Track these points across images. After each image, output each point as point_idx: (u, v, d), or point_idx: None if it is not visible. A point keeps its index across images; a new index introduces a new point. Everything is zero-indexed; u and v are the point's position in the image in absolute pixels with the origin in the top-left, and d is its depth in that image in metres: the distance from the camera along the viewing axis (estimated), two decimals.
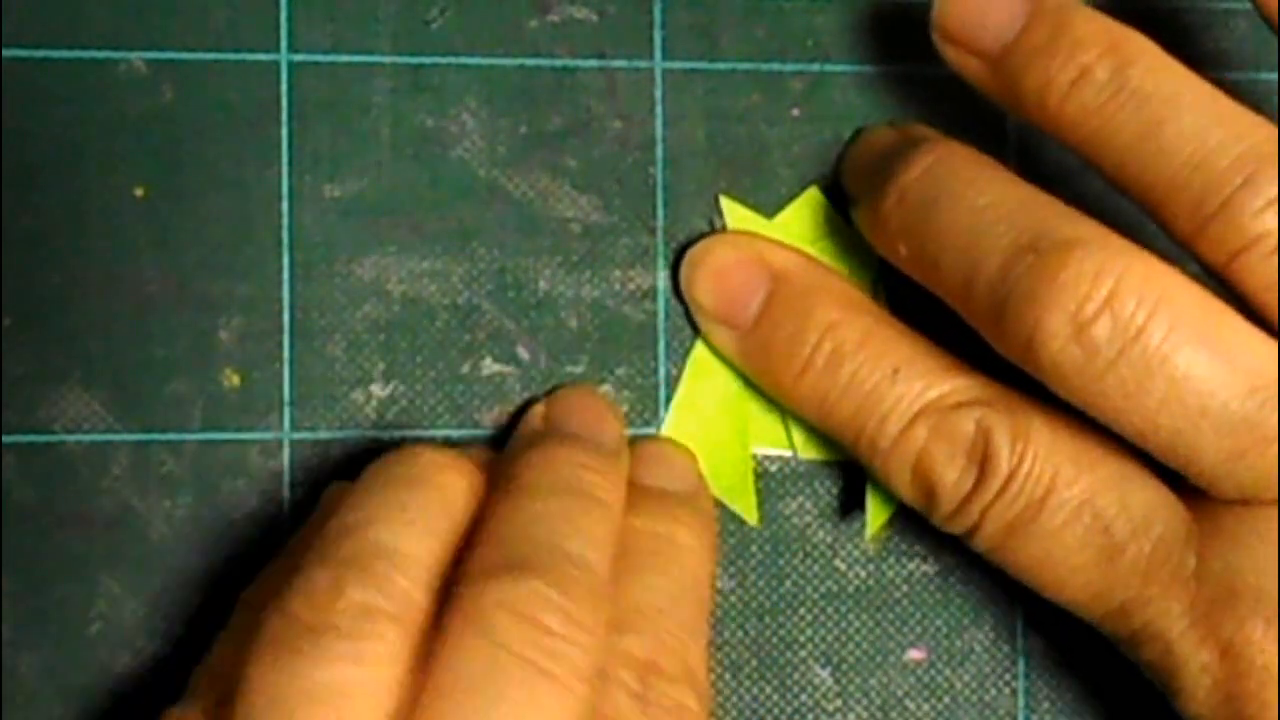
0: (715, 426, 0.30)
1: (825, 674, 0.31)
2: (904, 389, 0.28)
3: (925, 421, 0.28)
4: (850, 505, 0.31)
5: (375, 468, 0.27)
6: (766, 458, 0.31)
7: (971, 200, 0.27)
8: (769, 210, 0.31)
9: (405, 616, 0.24)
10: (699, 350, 0.30)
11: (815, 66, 0.31)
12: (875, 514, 0.30)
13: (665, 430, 0.30)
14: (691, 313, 0.30)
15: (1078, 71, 0.26)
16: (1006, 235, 0.26)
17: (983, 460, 0.27)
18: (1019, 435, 0.27)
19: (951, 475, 0.27)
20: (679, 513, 0.28)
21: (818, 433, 0.30)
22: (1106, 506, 0.27)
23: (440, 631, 0.24)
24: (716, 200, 0.30)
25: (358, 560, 0.25)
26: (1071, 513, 0.27)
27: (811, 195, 0.31)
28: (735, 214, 0.30)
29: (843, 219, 0.31)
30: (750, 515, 0.30)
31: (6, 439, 0.29)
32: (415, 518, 0.26)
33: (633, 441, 0.30)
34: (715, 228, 0.30)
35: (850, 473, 0.31)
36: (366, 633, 0.24)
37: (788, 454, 0.30)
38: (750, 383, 0.30)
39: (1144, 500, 0.27)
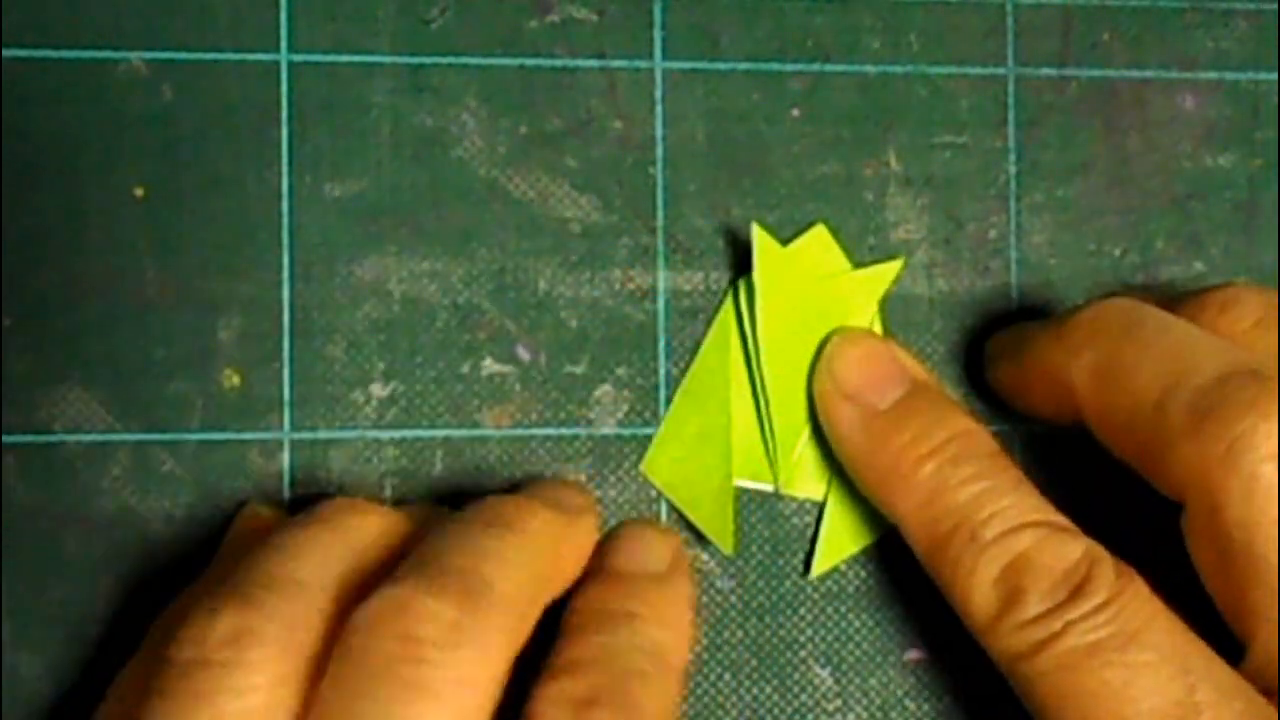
0: (699, 456, 0.30)
1: (825, 674, 0.31)
2: (1023, 498, 0.28)
3: (1035, 531, 0.27)
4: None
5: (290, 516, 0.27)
6: (747, 490, 0.31)
7: (1185, 325, 0.27)
8: (772, 209, 0.31)
9: (291, 640, 0.24)
10: (689, 383, 0.30)
11: (815, 66, 0.31)
12: (825, 557, 0.30)
13: (648, 458, 0.30)
14: (818, 388, 0.30)
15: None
16: (1227, 353, 0.27)
17: (1081, 583, 0.26)
18: (1124, 574, 0.27)
19: (1046, 582, 0.27)
20: (642, 589, 0.28)
21: (799, 470, 0.30)
22: (1196, 665, 0.26)
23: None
24: (749, 226, 0.30)
25: (240, 589, 0.25)
26: (1163, 656, 0.26)
27: (819, 233, 0.31)
28: (762, 242, 0.30)
29: (846, 259, 0.31)
30: (726, 545, 0.30)
31: (6, 439, 0.29)
32: (311, 550, 0.25)
33: (615, 527, 0.30)
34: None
35: (819, 519, 0.31)
36: (239, 661, 0.24)
37: (769, 489, 0.30)
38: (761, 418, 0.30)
39: (1229, 677, 0.26)
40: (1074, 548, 0.27)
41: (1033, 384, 0.29)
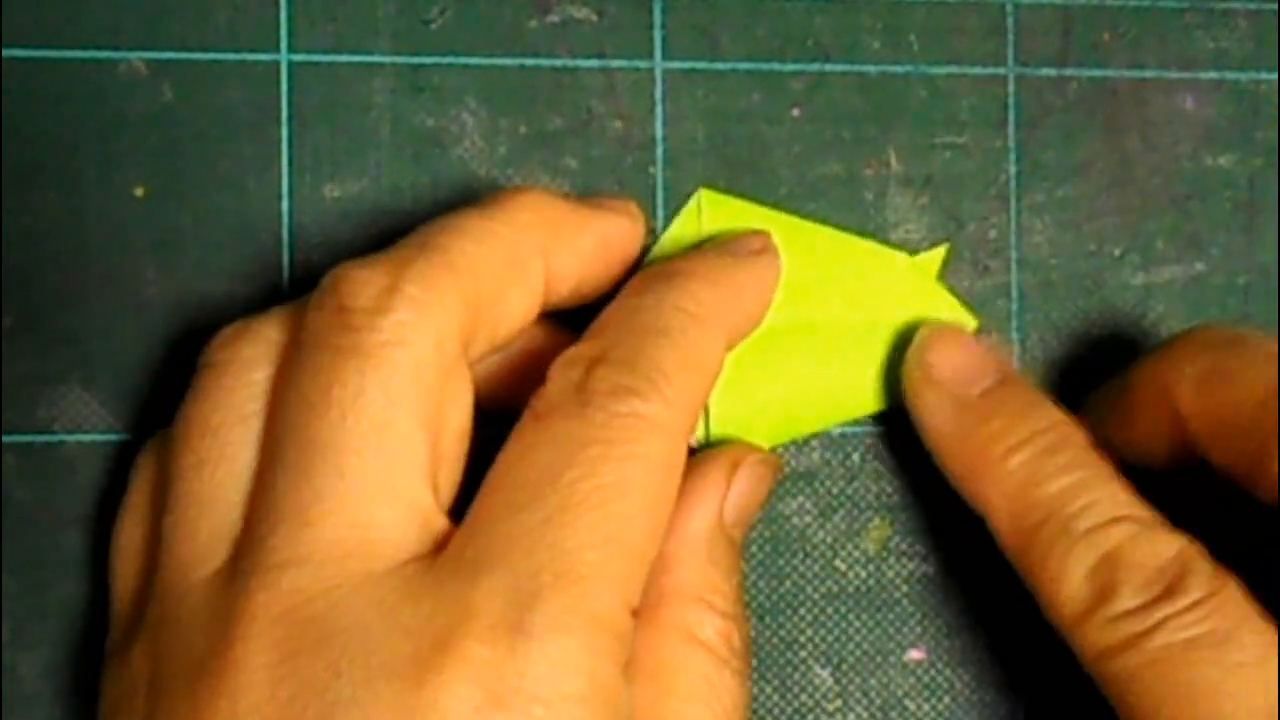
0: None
1: (825, 674, 0.31)
2: (1117, 492, 0.27)
3: (1129, 525, 0.27)
4: None
5: None
6: None
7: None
8: (771, 209, 0.31)
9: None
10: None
11: (815, 66, 0.31)
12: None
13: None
14: (907, 376, 0.29)
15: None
16: None
17: (1176, 580, 0.26)
18: (1219, 575, 0.26)
19: (1139, 578, 0.26)
20: (705, 253, 0.28)
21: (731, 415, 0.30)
22: None
23: None
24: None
25: None
26: (1256, 659, 0.25)
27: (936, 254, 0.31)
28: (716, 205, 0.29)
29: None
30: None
31: (6, 439, 0.29)
32: None
33: None
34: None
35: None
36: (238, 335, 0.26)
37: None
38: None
39: None
40: (1169, 544, 0.26)
41: (1137, 413, 0.28)
